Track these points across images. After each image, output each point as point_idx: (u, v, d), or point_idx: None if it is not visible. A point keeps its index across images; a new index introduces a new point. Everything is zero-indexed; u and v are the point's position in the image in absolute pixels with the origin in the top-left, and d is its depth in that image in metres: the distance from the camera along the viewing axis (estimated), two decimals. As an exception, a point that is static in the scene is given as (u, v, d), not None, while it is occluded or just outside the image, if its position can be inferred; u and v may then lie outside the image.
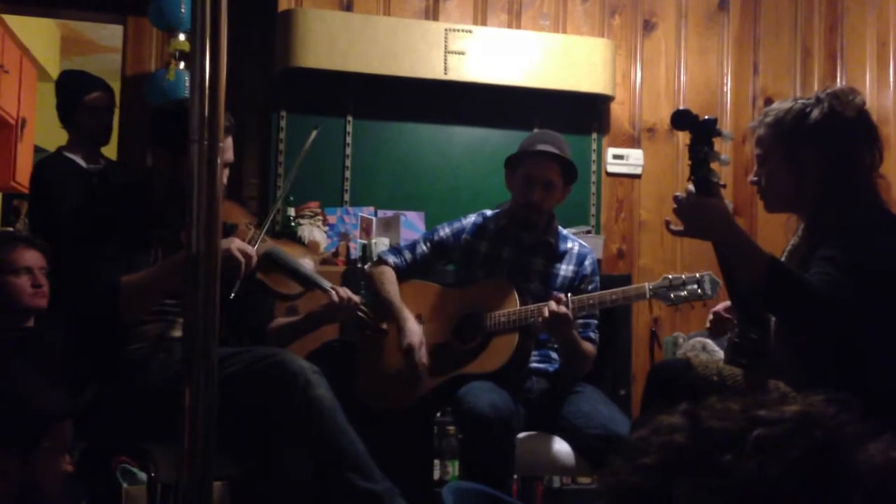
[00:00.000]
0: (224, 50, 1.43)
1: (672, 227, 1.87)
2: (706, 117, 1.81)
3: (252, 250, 2.13)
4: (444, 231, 2.75)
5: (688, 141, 1.84)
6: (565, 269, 2.67)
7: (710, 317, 2.15)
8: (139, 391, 2.12)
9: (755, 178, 1.99)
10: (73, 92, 3.59)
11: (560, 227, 2.75)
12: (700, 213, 1.78)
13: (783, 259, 1.98)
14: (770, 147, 1.93)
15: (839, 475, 0.54)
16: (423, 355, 2.52)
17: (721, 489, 0.53)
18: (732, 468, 0.54)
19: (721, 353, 3.15)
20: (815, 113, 1.88)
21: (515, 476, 2.63)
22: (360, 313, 2.40)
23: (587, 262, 2.69)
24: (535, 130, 3.87)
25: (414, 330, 2.55)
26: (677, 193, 1.83)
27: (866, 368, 1.75)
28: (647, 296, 2.38)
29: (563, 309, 2.37)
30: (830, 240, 1.80)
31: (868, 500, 0.54)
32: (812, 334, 1.81)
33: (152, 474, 2.13)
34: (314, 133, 2.36)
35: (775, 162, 1.93)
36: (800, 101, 1.93)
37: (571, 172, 2.64)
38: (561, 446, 2.47)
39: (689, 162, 1.81)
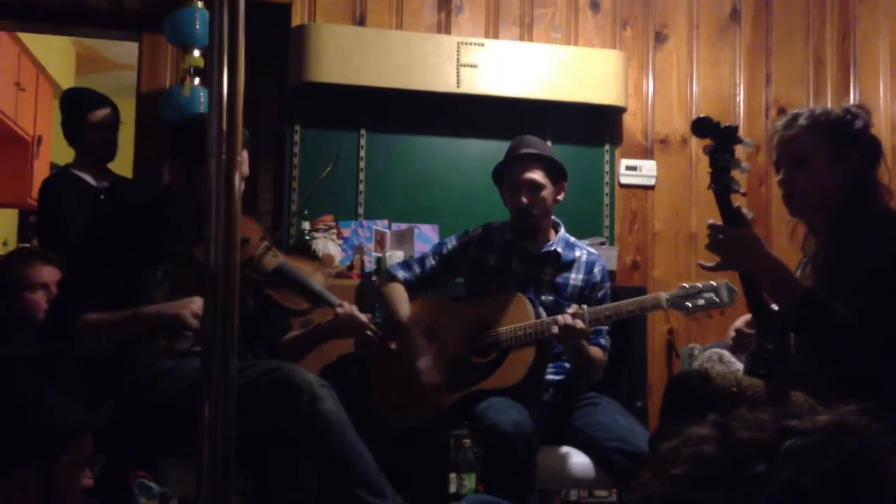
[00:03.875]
0: (241, 64, 1.43)
1: (705, 264, 1.87)
2: (728, 125, 1.81)
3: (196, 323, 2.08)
4: (452, 244, 2.77)
5: (703, 151, 1.84)
6: (574, 277, 2.66)
7: (732, 333, 2.14)
8: (151, 405, 2.12)
9: (785, 178, 1.98)
10: (77, 109, 3.61)
11: (568, 236, 2.74)
12: (737, 245, 1.78)
13: (803, 265, 1.97)
14: (815, 146, 1.93)
15: (872, 485, 0.54)
16: (433, 377, 2.53)
17: (753, 500, 0.53)
18: (764, 479, 0.53)
19: (737, 364, 3.13)
20: (859, 122, 1.94)
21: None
22: (368, 332, 2.39)
23: (596, 270, 2.68)
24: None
25: (423, 354, 2.55)
26: (711, 221, 1.82)
27: (888, 380, 1.74)
28: (664, 305, 2.36)
29: (579, 324, 2.35)
30: (856, 253, 1.81)
31: (902, 511, 0.53)
32: (844, 361, 1.80)
33: (164, 489, 2.13)
34: (332, 165, 2.37)
35: (821, 161, 1.93)
36: (835, 109, 1.97)
37: (557, 170, 2.65)
38: (579, 459, 2.44)
39: (710, 170, 1.81)
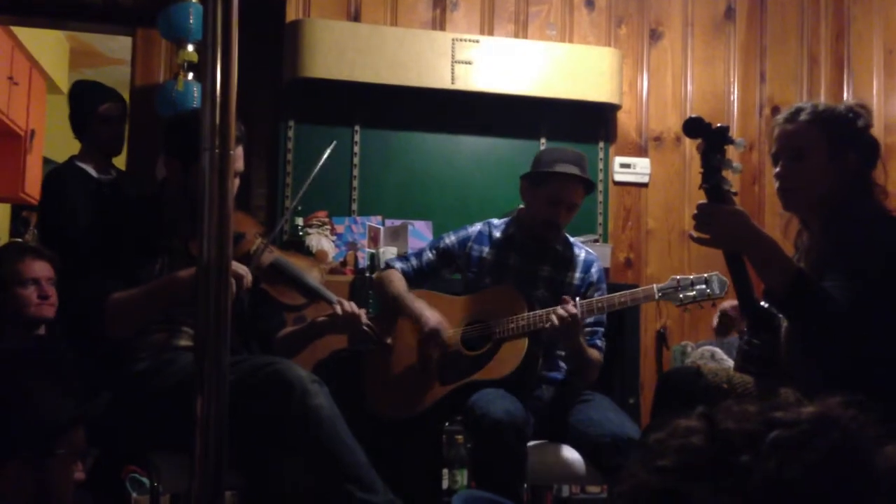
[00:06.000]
0: (235, 58, 1.44)
1: (695, 234, 1.86)
2: (719, 125, 1.81)
3: (244, 270, 2.12)
4: (450, 239, 2.77)
5: (696, 149, 1.84)
6: (571, 276, 2.68)
7: (717, 314, 2.16)
8: (144, 400, 2.13)
9: (782, 172, 1.97)
10: (86, 102, 3.62)
11: (567, 235, 2.75)
12: (726, 222, 1.78)
13: (795, 261, 1.98)
14: (815, 142, 1.93)
15: (857, 477, 0.54)
16: (447, 335, 2.54)
17: (739, 491, 0.54)
18: (750, 470, 0.54)
19: (730, 362, 3.14)
20: (861, 122, 1.94)
21: (525, 485, 2.62)
22: (364, 327, 2.39)
23: (593, 270, 2.70)
24: (545, 144, 3.89)
25: (431, 315, 2.55)
26: (701, 202, 1.82)
27: (879, 375, 1.75)
28: (656, 297, 2.38)
29: (572, 310, 2.37)
30: (848, 248, 1.82)
31: (886, 502, 0.54)
32: (829, 345, 1.81)
33: (155, 483, 2.13)
34: (329, 149, 2.37)
35: (819, 157, 1.93)
36: (838, 106, 1.97)
37: (589, 188, 2.66)
38: (571, 455, 2.46)
39: (702, 170, 1.80)
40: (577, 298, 2.46)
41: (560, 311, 2.39)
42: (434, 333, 2.53)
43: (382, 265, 3.24)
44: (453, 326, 2.61)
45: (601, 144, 4.07)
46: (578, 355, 2.52)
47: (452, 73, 3.78)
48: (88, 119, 3.60)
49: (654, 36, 4.21)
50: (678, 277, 2.38)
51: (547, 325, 2.42)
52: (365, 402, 2.62)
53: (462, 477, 3.47)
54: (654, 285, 2.41)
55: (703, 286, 2.34)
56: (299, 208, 3.64)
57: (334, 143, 2.44)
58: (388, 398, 2.62)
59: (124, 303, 2.14)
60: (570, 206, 2.61)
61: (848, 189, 1.92)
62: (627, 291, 2.45)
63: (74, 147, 3.72)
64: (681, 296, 2.35)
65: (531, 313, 2.49)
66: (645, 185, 4.14)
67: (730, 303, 2.12)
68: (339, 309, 2.34)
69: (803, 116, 1.95)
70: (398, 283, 2.68)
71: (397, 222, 3.76)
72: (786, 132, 1.96)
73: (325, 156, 2.33)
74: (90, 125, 3.60)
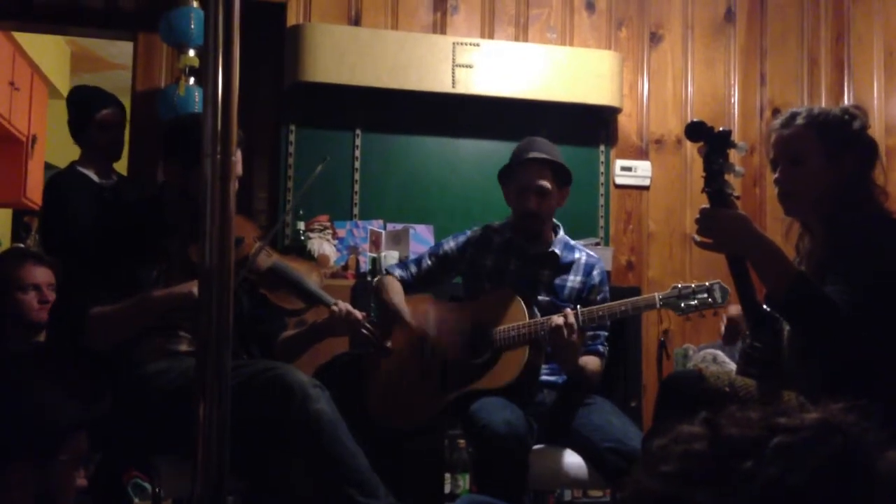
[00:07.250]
0: (237, 64, 1.44)
1: (698, 238, 1.86)
2: (721, 129, 1.81)
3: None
4: (449, 245, 2.74)
5: (698, 152, 1.84)
6: (572, 279, 2.65)
7: (724, 321, 2.15)
8: (145, 405, 2.13)
9: (781, 178, 1.98)
10: (85, 108, 3.61)
11: (567, 238, 2.73)
12: (726, 226, 1.78)
13: (797, 264, 1.98)
14: (812, 146, 1.93)
15: (859, 482, 0.54)
16: (432, 344, 2.55)
17: (742, 496, 0.54)
18: (753, 476, 0.54)
19: (732, 365, 3.14)
20: (857, 124, 1.94)
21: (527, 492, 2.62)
22: (364, 330, 2.39)
23: (595, 273, 2.66)
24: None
25: (420, 327, 2.56)
26: (704, 206, 1.83)
27: (880, 379, 1.75)
28: (658, 305, 2.36)
29: (570, 319, 2.35)
30: (849, 251, 1.82)
31: (889, 508, 0.54)
32: (830, 349, 1.81)
33: (157, 489, 2.13)
34: (320, 166, 2.38)
35: (817, 161, 1.93)
36: (833, 109, 1.98)
37: (564, 174, 2.63)
38: (574, 459, 2.45)
39: (704, 174, 1.81)
40: (578, 307, 2.43)
41: (557, 319, 2.38)
42: (424, 340, 2.53)
43: (384, 271, 3.24)
44: (454, 333, 2.59)
45: (602, 147, 4.08)
46: (571, 372, 2.51)
47: (453, 76, 3.79)
48: (87, 125, 3.60)
49: (655, 39, 4.22)
50: (679, 286, 2.36)
51: (546, 333, 2.40)
52: (365, 410, 2.61)
53: (464, 481, 3.46)
54: (656, 294, 2.38)
55: (705, 295, 2.32)
56: (301, 212, 3.64)
57: (327, 158, 2.45)
58: (389, 409, 2.59)
59: (105, 317, 2.16)
60: (538, 191, 2.57)
61: (847, 191, 1.92)
62: (628, 300, 2.43)
63: (76, 152, 3.72)
64: (682, 305, 2.33)
65: (530, 321, 2.46)
66: (646, 187, 4.14)
67: (736, 308, 2.12)
68: (336, 311, 2.34)
69: (799, 121, 1.95)
70: (394, 293, 2.65)
71: (399, 226, 3.77)
72: (782, 137, 1.97)
73: (317, 172, 2.33)
74: (88, 131, 3.60)
